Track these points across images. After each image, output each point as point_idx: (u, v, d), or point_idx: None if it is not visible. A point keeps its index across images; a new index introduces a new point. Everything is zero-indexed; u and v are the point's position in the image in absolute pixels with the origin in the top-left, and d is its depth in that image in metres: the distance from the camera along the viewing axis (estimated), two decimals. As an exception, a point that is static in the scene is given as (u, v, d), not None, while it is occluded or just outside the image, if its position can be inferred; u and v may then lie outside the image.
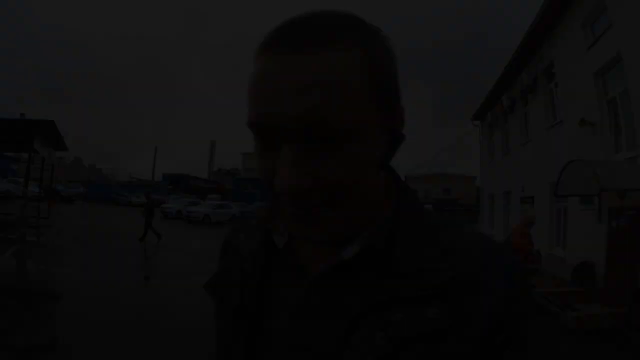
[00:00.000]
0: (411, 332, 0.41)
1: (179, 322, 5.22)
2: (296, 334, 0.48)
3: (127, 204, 36.16)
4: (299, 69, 0.39)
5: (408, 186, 0.54)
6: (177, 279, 8.04)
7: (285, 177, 0.40)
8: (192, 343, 4.41)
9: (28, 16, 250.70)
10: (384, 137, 0.45)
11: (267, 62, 0.41)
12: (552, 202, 9.98)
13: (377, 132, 0.43)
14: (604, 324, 5.69)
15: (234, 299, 0.54)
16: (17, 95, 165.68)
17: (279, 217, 0.53)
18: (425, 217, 0.51)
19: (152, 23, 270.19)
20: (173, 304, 6.22)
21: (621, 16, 7.10)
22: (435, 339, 0.40)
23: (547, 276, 8.44)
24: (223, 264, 0.63)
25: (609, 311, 6.00)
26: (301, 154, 0.41)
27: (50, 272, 7.22)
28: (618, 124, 7.68)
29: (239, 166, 63.82)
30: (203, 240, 15.32)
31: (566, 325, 5.77)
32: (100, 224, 17.43)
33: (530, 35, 10.73)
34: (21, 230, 8.60)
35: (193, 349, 4.25)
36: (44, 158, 12.01)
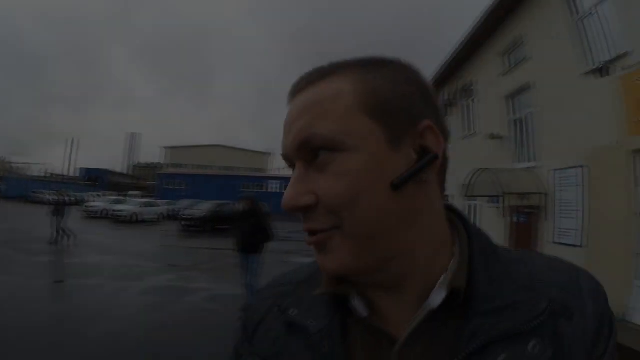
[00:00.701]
0: None
1: (96, 329, 4.96)
2: None
3: (41, 202, 32.83)
4: (296, 104, 0.47)
5: (468, 219, 0.53)
6: (96, 281, 7.60)
7: (286, 195, 0.44)
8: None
9: None
10: (403, 156, 0.44)
11: (289, 107, 0.49)
12: (465, 200, 11.52)
13: (384, 149, 0.43)
14: None
15: None
16: None
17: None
18: (495, 249, 0.50)
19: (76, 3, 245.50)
20: (88, 309, 5.90)
21: (535, 52, 8.60)
22: None
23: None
24: (269, 349, 0.52)
25: None
26: (301, 174, 0.45)
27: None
28: (521, 140, 9.45)
29: (162, 161, 60.02)
30: (131, 240, 14.92)
31: None
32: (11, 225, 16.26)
33: (455, 55, 12.05)
34: None
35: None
36: None
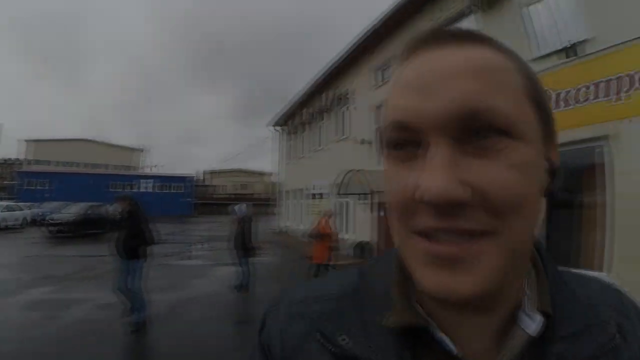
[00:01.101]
0: None
1: None
2: None
3: None
4: (453, 57, 0.34)
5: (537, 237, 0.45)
6: None
7: (433, 182, 0.31)
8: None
9: None
10: (544, 162, 0.37)
11: (413, 61, 0.36)
12: (337, 198, 12.71)
13: (541, 149, 0.36)
14: None
15: None
16: None
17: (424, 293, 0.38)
18: (556, 266, 0.46)
19: None
20: None
21: None
22: None
23: (338, 253, 11.27)
24: None
25: None
26: (455, 154, 0.32)
27: None
28: (386, 145, 10.98)
29: (23, 157, 49.33)
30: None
31: None
32: None
33: (335, 65, 13.12)
34: None
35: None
36: None
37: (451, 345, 0.38)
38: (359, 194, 10.16)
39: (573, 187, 5.85)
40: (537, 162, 0.35)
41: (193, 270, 9.66)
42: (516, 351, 0.38)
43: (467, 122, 0.32)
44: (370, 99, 11.55)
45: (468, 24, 8.05)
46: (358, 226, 11.69)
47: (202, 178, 53.12)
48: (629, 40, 5.15)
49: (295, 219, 18.61)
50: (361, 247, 10.74)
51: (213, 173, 55.95)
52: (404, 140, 0.35)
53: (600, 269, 5.18)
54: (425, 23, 9.07)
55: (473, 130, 0.32)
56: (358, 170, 9.58)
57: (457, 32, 0.37)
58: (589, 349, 0.39)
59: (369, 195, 10.20)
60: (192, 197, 43.55)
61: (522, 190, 0.33)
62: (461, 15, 8.31)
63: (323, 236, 8.60)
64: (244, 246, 7.25)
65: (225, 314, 6.01)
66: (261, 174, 55.05)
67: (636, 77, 5.09)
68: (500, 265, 0.33)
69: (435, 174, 0.31)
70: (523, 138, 0.34)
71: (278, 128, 21.76)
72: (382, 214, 10.18)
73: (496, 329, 0.40)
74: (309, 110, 16.32)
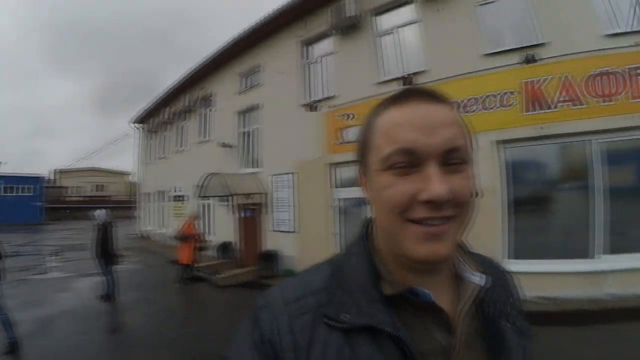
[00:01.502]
0: (517, 320, 0.67)
1: None
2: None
3: None
4: (438, 111, 0.56)
5: None
6: None
7: (438, 190, 0.53)
8: None
9: None
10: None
11: (405, 109, 0.57)
12: (199, 200, 12.50)
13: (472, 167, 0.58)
14: (242, 279, 8.76)
15: None
16: None
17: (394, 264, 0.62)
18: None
19: None
20: None
21: (267, 80, 10.49)
22: (520, 314, 0.69)
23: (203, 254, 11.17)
24: None
25: (244, 271, 9.17)
26: (440, 173, 0.54)
27: None
28: (247, 149, 11.34)
29: None
30: None
31: (217, 284, 8.52)
32: None
33: (201, 66, 12.87)
34: None
35: None
36: None
37: (432, 298, 0.59)
38: (219, 196, 10.29)
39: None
40: (473, 175, 0.58)
41: (55, 284, 8.82)
42: (471, 297, 0.63)
43: (449, 153, 0.55)
44: (234, 103, 11.76)
45: (328, 44, 9.05)
46: (220, 227, 11.81)
47: (52, 178, 46.18)
48: (454, 75, 6.72)
49: (157, 222, 17.68)
50: (224, 248, 10.90)
51: (65, 172, 48.95)
52: (406, 161, 0.55)
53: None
54: (290, 37, 9.75)
55: (449, 158, 0.55)
56: (218, 173, 9.73)
57: (433, 93, 0.59)
58: (502, 290, 0.69)
59: (230, 198, 10.44)
60: (42, 201, 37.42)
61: (471, 192, 0.56)
62: (323, 36, 9.16)
63: (188, 237, 8.76)
64: (106, 254, 6.95)
65: (96, 325, 5.78)
66: (122, 173, 50.17)
67: (461, 105, 6.58)
68: (457, 237, 0.58)
69: (438, 185, 0.53)
70: (469, 162, 0.57)
71: (139, 125, 20.32)
72: (242, 215, 10.51)
73: (451, 285, 0.65)
74: (172, 109, 15.68)
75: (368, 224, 0.70)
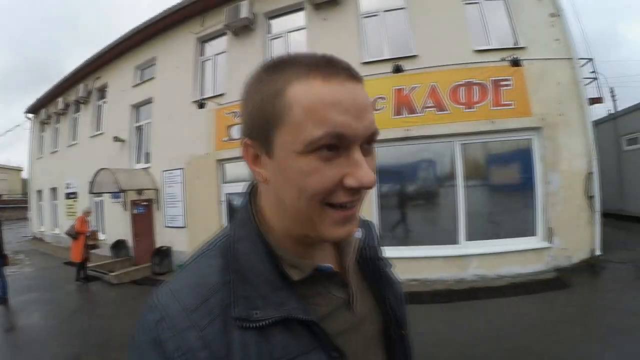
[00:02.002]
0: (383, 256, 0.81)
1: None
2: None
3: None
4: (362, 93, 0.55)
5: None
6: None
7: (368, 173, 0.53)
8: None
9: None
10: None
11: (332, 86, 0.52)
12: (92, 197, 11.98)
13: None
14: (135, 277, 8.66)
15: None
16: None
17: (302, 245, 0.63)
18: None
19: None
20: None
21: (160, 74, 10.30)
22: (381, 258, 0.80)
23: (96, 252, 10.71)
24: None
25: (137, 269, 9.02)
26: (363, 158, 0.54)
27: None
28: (140, 144, 11.07)
29: None
30: None
31: (110, 282, 8.36)
32: None
33: (96, 56, 12.30)
34: None
35: None
36: None
37: (333, 268, 0.65)
38: (112, 192, 9.96)
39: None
40: None
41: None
42: (355, 251, 0.71)
43: (370, 137, 0.55)
44: (128, 96, 11.38)
45: (222, 42, 9.19)
46: (113, 225, 11.38)
47: None
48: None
49: (51, 222, 16.38)
50: (117, 245, 10.56)
51: None
52: (334, 145, 0.52)
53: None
54: (187, 33, 9.69)
55: (367, 141, 0.55)
56: (109, 169, 9.41)
57: (354, 70, 0.56)
58: (370, 235, 0.79)
59: (122, 194, 10.16)
60: None
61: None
62: (218, 35, 9.29)
63: (79, 235, 8.46)
64: None
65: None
66: (16, 169, 44.95)
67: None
68: (359, 214, 0.61)
69: (367, 171, 0.53)
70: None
71: (31, 116, 18.60)
72: (135, 210, 10.27)
73: (332, 244, 0.71)
74: (65, 100, 14.63)
75: (249, 202, 0.67)
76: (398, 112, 7.04)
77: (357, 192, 0.55)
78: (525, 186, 6.76)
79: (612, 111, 14.98)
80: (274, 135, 0.54)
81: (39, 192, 17.55)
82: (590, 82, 8.76)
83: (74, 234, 8.60)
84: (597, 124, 11.74)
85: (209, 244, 0.65)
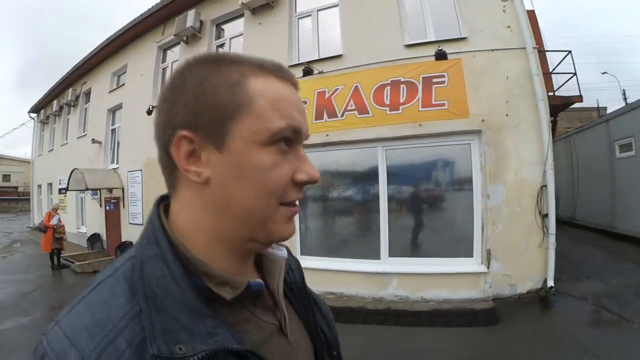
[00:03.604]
0: (307, 286, 0.76)
1: None
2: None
3: None
4: (298, 97, 0.58)
5: None
6: None
7: (314, 168, 0.55)
8: None
9: None
10: None
11: (286, 87, 0.56)
12: (77, 194, 13.11)
13: None
14: (97, 267, 9.44)
15: None
16: None
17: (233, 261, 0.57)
18: None
19: None
20: None
21: (129, 81, 11.11)
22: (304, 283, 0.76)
23: (73, 246, 11.77)
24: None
25: (98, 260, 9.92)
26: None
27: None
28: (114, 146, 11.98)
29: None
30: None
31: (75, 271, 9.28)
32: None
33: (82, 61, 13.21)
34: None
35: None
36: None
37: (263, 286, 0.58)
38: (91, 190, 10.87)
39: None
40: None
41: None
42: (282, 270, 0.66)
43: (305, 139, 0.58)
44: (106, 101, 12.26)
45: (177, 50, 9.84)
46: (92, 219, 12.40)
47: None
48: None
49: (47, 215, 17.64)
50: (92, 238, 11.58)
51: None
52: (289, 139, 0.53)
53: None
54: (151, 41, 10.41)
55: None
56: (78, 169, 10.32)
57: (296, 82, 0.60)
58: (290, 255, 0.75)
59: (98, 192, 11.15)
60: None
61: None
62: (176, 43, 9.92)
63: (47, 228, 9.58)
64: None
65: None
66: (28, 162, 46.34)
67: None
68: None
69: (313, 166, 0.56)
70: None
71: (34, 115, 19.89)
72: (107, 207, 11.22)
73: (256, 269, 0.66)
74: (59, 102, 15.70)
75: (158, 217, 0.56)
76: (319, 116, 6.58)
77: (302, 189, 0.56)
78: (462, 199, 5.88)
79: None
80: (230, 125, 0.50)
81: (39, 186, 18.86)
82: (570, 78, 8.44)
83: (42, 228, 9.66)
84: (587, 127, 11.13)
85: (108, 270, 0.54)
